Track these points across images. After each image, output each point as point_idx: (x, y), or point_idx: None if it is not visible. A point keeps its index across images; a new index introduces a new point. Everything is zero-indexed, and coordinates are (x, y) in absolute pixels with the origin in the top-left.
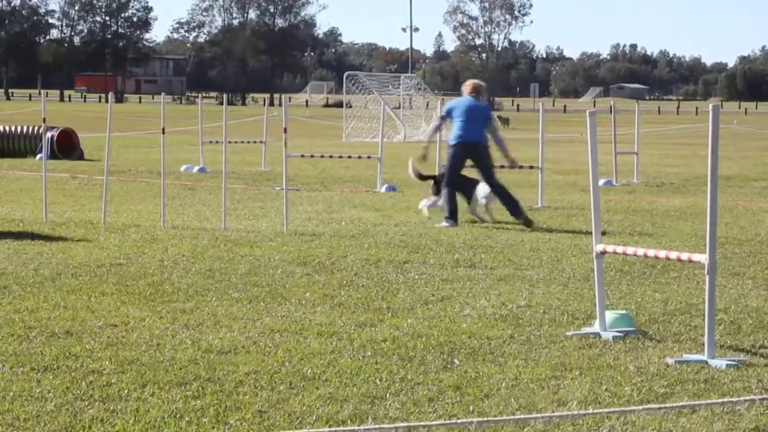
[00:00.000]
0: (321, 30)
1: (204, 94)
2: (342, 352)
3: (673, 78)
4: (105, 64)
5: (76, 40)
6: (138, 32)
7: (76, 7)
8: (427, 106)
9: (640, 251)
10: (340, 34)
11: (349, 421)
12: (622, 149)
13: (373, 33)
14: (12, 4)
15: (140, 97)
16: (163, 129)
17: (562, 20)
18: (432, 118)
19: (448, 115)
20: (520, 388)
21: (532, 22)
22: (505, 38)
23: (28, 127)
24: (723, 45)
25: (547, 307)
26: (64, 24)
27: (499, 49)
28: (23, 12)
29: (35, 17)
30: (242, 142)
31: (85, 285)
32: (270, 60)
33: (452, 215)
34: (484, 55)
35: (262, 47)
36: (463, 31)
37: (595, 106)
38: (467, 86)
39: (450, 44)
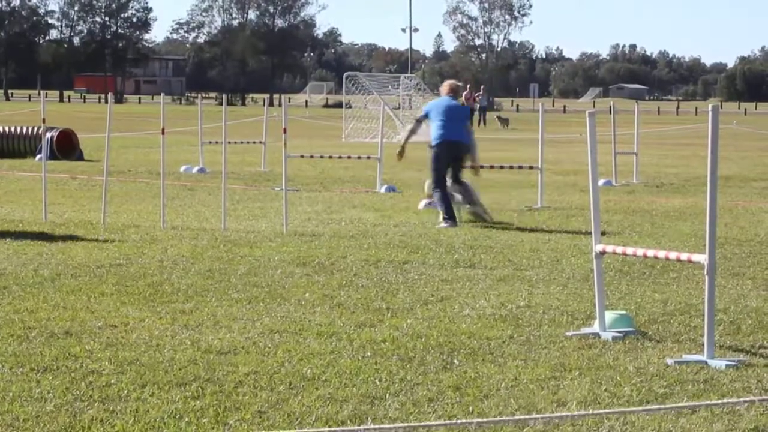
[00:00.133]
0: (321, 30)
1: (203, 95)
2: (341, 352)
3: (672, 78)
4: (104, 64)
5: (76, 40)
6: (137, 33)
7: (76, 8)
8: None
9: (640, 251)
10: (339, 35)
11: (348, 422)
12: (622, 149)
13: (372, 33)
14: (11, 5)
15: (140, 98)
16: (163, 129)
17: (561, 20)
18: None
19: (426, 116)
20: (520, 389)
21: (531, 22)
22: (504, 38)
23: (27, 128)
24: (722, 45)
25: (547, 307)
26: (63, 24)
27: (499, 49)
28: (23, 12)
29: (35, 18)
30: (242, 142)
31: (84, 285)
32: (270, 60)
33: (449, 215)
34: (483, 56)
35: (261, 48)
36: (463, 32)
37: (594, 106)
38: (445, 87)
39: (449, 44)
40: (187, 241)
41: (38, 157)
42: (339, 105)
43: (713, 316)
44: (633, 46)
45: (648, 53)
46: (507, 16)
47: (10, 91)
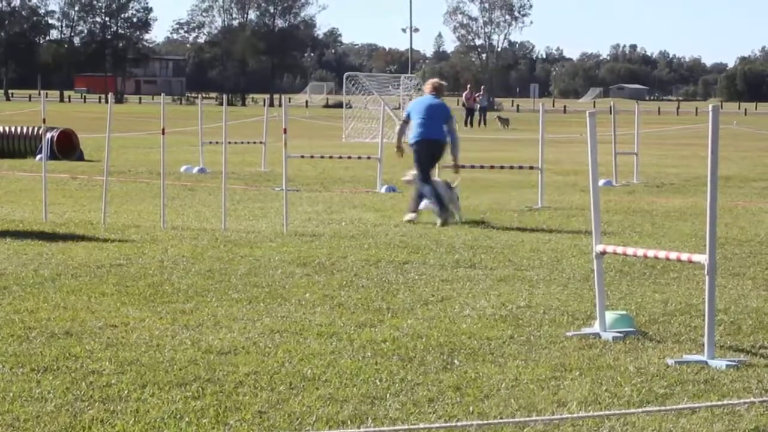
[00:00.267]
0: (321, 30)
1: (204, 95)
2: (342, 352)
3: (672, 78)
4: (105, 64)
5: (76, 40)
6: (138, 33)
7: (76, 8)
8: None
9: (640, 252)
10: (339, 35)
11: (349, 422)
12: (622, 150)
13: (372, 33)
14: (12, 5)
15: (140, 98)
16: (163, 129)
17: (561, 21)
18: None
19: (408, 116)
20: (520, 389)
21: (532, 22)
22: (505, 39)
23: (27, 128)
24: (723, 45)
25: (547, 307)
26: (63, 24)
27: (499, 49)
28: (23, 12)
29: (35, 18)
30: (242, 142)
31: (84, 286)
32: (270, 60)
33: (442, 207)
34: (484, 56)
35: (261, 48)
36: (463, 32)
37: (594, 106)
38: (428, 85)
39: (450, 45)
40: (187, 241)
41: (38, 157)
42: (339, 105)
43: (713, 316)
44: (633, 47)
45: (648, 53)
46: (507, 17)
47: (10, 91)
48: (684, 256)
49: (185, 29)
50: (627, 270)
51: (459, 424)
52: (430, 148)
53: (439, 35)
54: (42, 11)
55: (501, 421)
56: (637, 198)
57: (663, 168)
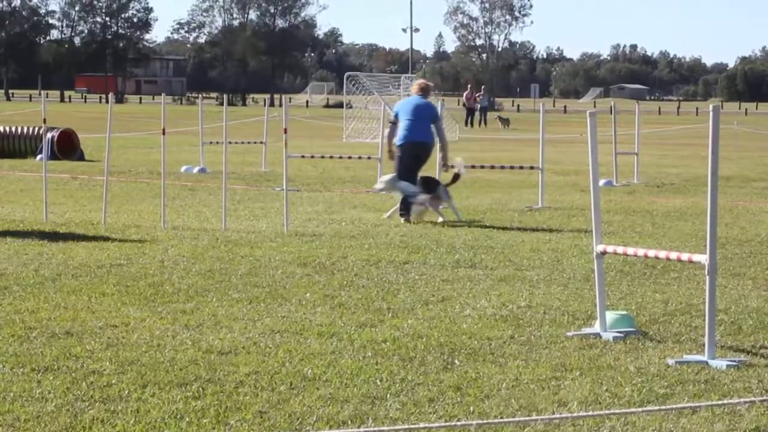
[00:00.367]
0: (321, 30)
1: (204, 95)
2: (342, 352)
3: (673, 78)
4: (105, 64)
5: (77, 40)
6: (138, 33)
7: (77, 8)
8: None
9: (641, 252)
10: (340, 35)
11: (349, 422)
12: (623, 150)
13: (373, 33)
14: (12, 5)
15: (140, 98)
16: (164, 129)
17: (562, 21)
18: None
19: (396, 116)
20: (521, 389)
21: (532, 22)
22: (505, 39)
23: (28, 128)
24: (723, 45)
25: (548, 307)
26: (64, 24)
27: (500, 49)
28: (23, 12)
29: (35, 18)
30: (242, 142)
31: (85, 286)
32: (270, 60)
33: (403, 206)
34: (484, 56)
35: (262, 48)
36: (464, 32)
37: (595, 106)
38: (415, 86)
39: (450, 45)
40: (187, 241)
41: (39, 157)
42: (340, 105)
43: (714, 316)
44: (634, 47)
45: (649, 53)
46: (508, 17)
47: (10, 91)
48: (684, 256)
49: (186, 29)
50: (627, 270)
51: (459, 423)
52: (414, 150)
53: (440, 35)
54: (42, 11)
55: (501, 421)
56: (638, 198)
57: (663, 168)
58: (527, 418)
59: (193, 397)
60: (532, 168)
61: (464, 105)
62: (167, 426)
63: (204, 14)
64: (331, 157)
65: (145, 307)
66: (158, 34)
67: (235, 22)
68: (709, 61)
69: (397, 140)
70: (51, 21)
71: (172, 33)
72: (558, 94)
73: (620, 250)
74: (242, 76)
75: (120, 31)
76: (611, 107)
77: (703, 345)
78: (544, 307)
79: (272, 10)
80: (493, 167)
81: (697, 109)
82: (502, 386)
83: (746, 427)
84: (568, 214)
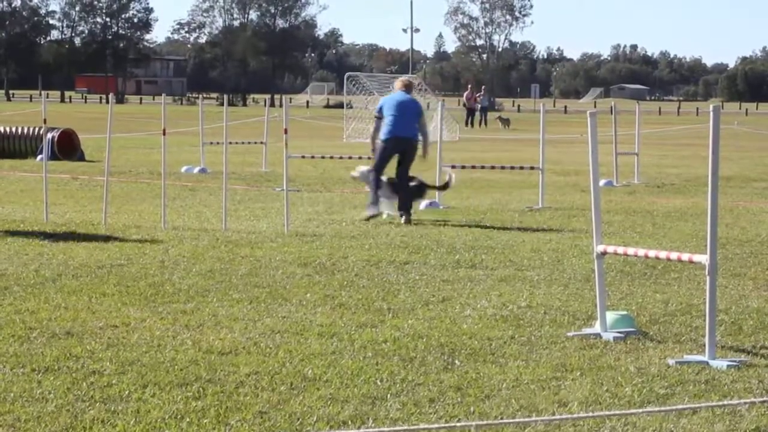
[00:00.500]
0: (322, 31)
1: (204, 95)
2: (343, 353)
3: (673, 79)
4: (105, 64)
5: (77, 40)
6: (138, 33)
7: (77, 8)
8: (428, 107)
9: (641, 252)
10: (340, 35)
11: (349, 422)
12: (623, 150)
13: (373, 34)
14: (12, 5)
15: (141, 98)
16: (164, 130)
17: (562, 21)
18: (432, 118)
19: (380, 112)
20: (521, 389)
21: (532, 22)
22: (505, 39)
23: (28, 128)
24: (723, 46)
25: (548, 307)
26: (64, 25)
27: (500, 49)
28: (24, 13)
29: (36, 18)
30: (243, 142)
31: (85, 286)
32: (271, 61)
33: (373, 201)
34: (484, 56)
35: (262, 48)
36: (464, 32)
37: (595, 106)
38: (398, 82)
39: (451, 45)
40: (188, 241)
41: (39, 157)
42: (340, 105)
43: (714, 316)
44: (634, 47)
45: (649, 53)
46: (508, 17)
47: (11, 92)
48: (685, 257)
49: (186, 29)
50: (628, 270)
51: (459, 424)
52: (398, 146)
53: (440, 35)
54: (43, 11)
55: (502, 421)
56: (638, 198)
57: (664, 168)
58: (527, 419)
59: (194, 397)
60: (532, 168)
61: (464, 105)
62: (168, 426)
63: (204, 14)
64: (331, 157)
65: (145, 308)
66: (158, 34)
67: (236, 23)
68: (709, 61)
69: (382, 135)
70: (51, 21)
71: (172, 33)
72: (558, 94)
73: (620, 250)
74: (242, 77)
75: (120, 31)
76: (611, 107)
77: (704, 345)
78: (545, 308)
79: (272, 11)
80: (493, 167)
81: (697, 109)
82: (502, 386)
83: (746, 428)
84: (568, 214)
